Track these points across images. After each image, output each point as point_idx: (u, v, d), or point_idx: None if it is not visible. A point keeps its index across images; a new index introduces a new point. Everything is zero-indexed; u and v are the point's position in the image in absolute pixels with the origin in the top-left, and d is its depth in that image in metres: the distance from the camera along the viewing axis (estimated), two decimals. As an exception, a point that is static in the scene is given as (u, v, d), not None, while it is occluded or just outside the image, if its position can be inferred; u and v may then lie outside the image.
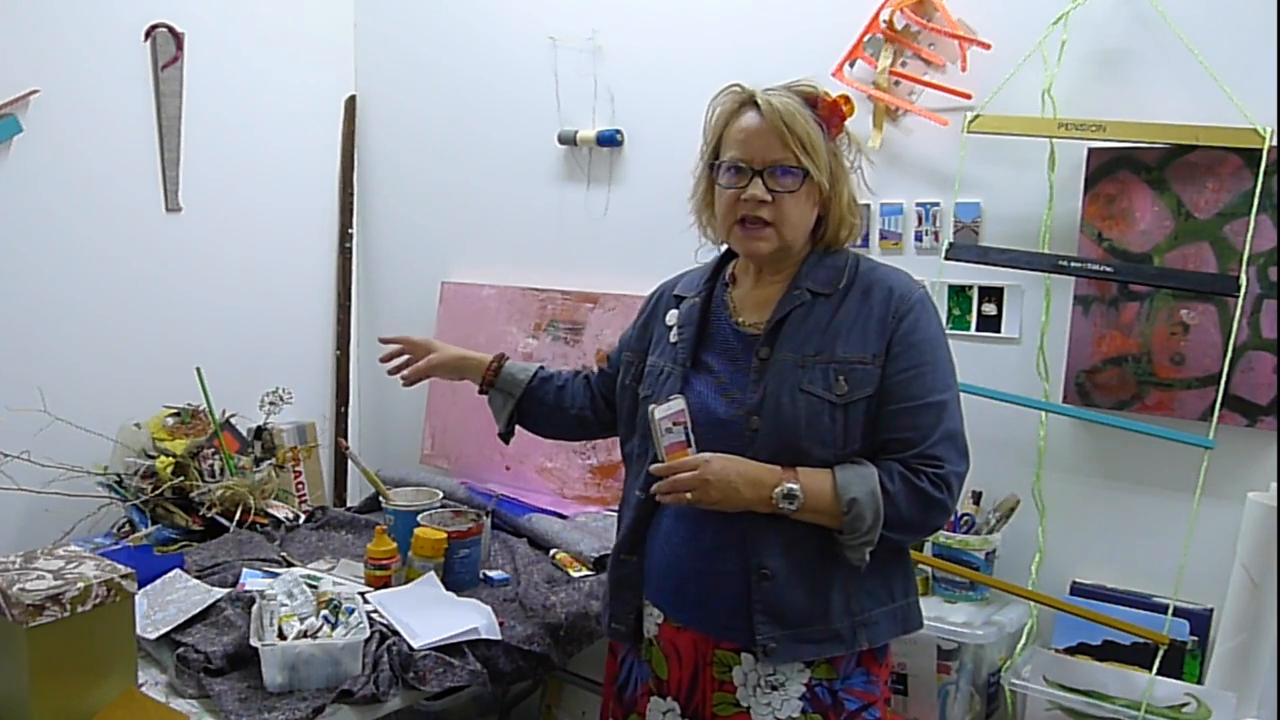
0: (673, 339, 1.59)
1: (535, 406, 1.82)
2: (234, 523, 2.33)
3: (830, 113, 1.48)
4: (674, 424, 1.44)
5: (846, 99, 1.50)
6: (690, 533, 1.53)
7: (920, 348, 1.45)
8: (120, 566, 1.61)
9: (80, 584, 1.53)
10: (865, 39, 2.11)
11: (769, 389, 1.46)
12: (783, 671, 1.49)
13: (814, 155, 1.45)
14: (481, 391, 1.85)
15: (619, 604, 1.63)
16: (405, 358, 1.89)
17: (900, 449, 1.43)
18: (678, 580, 1.55)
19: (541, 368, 1.85)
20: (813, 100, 1.48)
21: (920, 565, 2.02)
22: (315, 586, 1.93)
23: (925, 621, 1.86)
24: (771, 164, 1.45)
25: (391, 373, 1.90)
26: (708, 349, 1.56)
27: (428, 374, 1.87)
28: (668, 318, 1.63)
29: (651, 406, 1.44)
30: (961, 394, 1.96)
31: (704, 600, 1.52)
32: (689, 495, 1.43)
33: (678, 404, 1.46)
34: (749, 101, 1.48)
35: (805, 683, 1.49)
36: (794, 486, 1.41)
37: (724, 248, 1.64)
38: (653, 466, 1.46)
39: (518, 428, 1.85)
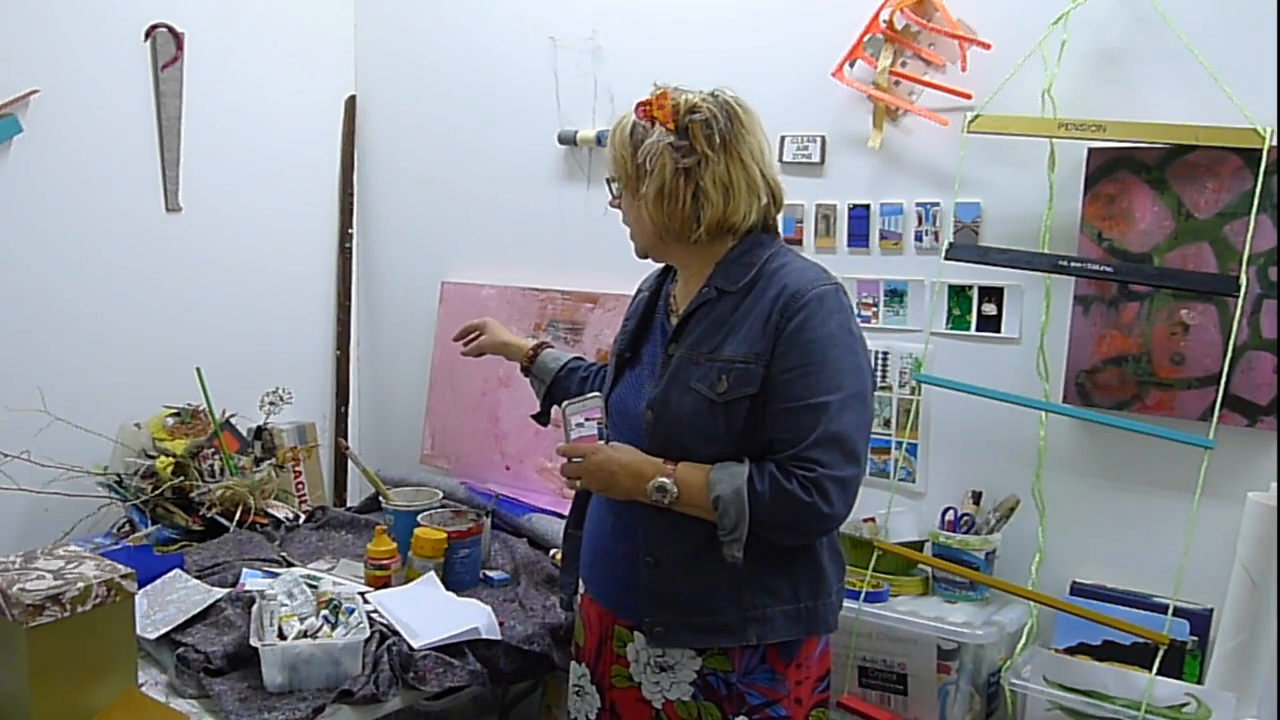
0: (622, 332, 1.70)
1: (562, 396, 1.85)
2: (234, 523, 2.33)
3: (642, 115, 1.54)
4: (586, 419, 1.57)
5: (653, 99, 1.52)
6: (602, 514, 1.65)
7: (806, 348, 1.44)
8: (120, 566, 1.61)
9: (80, 584, 1.53)
10: (865, 39, 2.11)
11: (664, 384, 1.52)
12: (672, 654, 1.56)
13: (613, 164, 1.58)
14: (524, 373, 1.98)
15: (566, 574, 1.79)
16: (474, 335, 2.03)
17: (779, 449, 1.44)
18: (591, 555, 1.68)
19: (576, 358, 1.93)
20: (640, 106, 1.55)
21: (920, 565, 2.02)
22: (315, 586, 1.93)
23: (925, 621, 1.88)
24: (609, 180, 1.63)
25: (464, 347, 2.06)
26: (645, 341, 1.65)
27: (479, 353, 2.02)
28: (627, 311, 1.74)
29: (566, 403, 1.57)
30: (962, 394, 1.97)
31: (607, 577, 1.64)
32: (578, 482, 1.57)
33: (594, 400, 1.58)
34: None
35: (697, 670, 1.54)
36: (666, 480, 1.47)
37: None
38: (557, 447, 1.59)
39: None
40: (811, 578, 1.55)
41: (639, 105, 1.53)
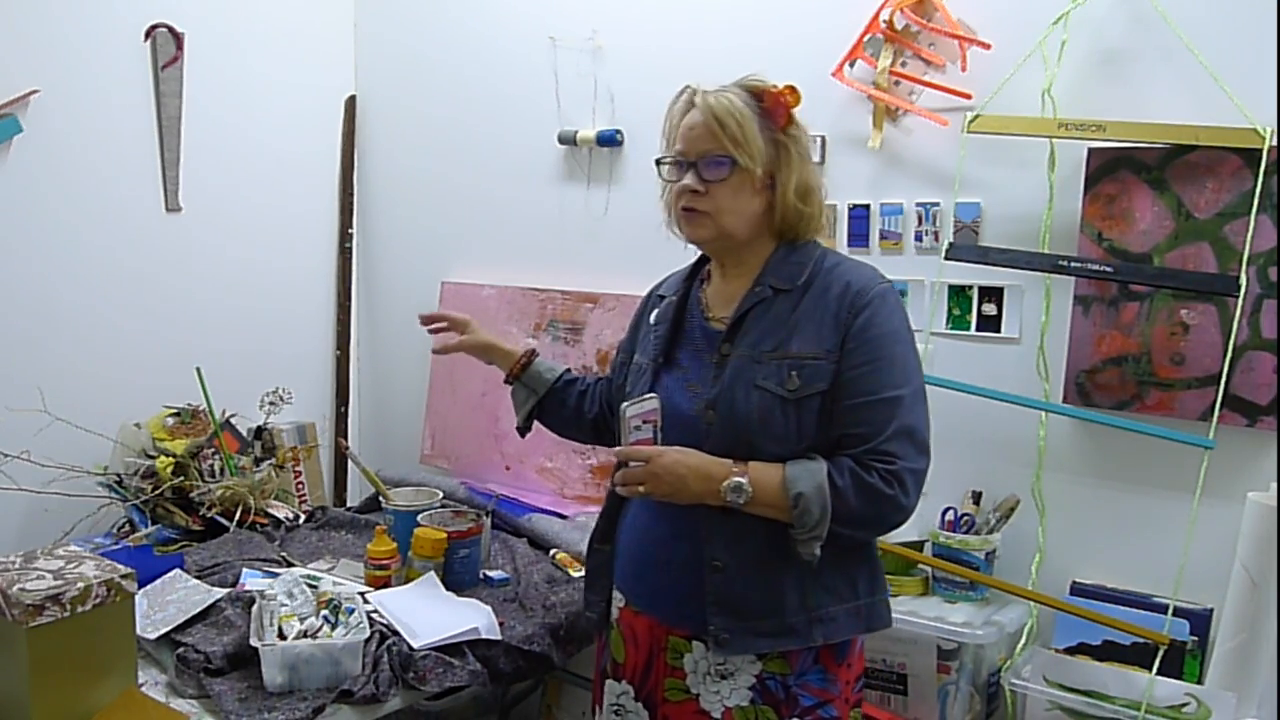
0: (655, 337, 1.63)
1: (557, 407, 1.83)
2: (234, 523, 2.33)
3: (774, 104, 1.51)
4: (644, 421, 1.49)
5: (791, 89, 1.51)
6: (650, 522, 1.58)
7: (875, 343, 1.45)
8: (120, 566, 1.61)
9: (80, 584, 1.53)
10: (865, 39, 2.11)
11: (725, 384, 1.49)
12: (733, 661, 1.51)
13: (743, 145, 1.48)
14: (507, 382, 1.86)
15: (593, 591, 1.71)
16: (443, 325, 1.92)
17: (853, 444, 1.43)
18: (638, 567, 1.61)
19: (569, 370, 1.87)
20: (758, 94, 1.52)
21: (920, 565, 2.02)
22: (315, 586, 1.93)
23: (925, 621, 1.88)
24: (702, 155, 1.50)
25: (430, 332, 1.97)
26: (681, 346, 1.60)
27: (457, 350, 1.89)
28: (651, 317, 1.67)
29: (625, 404, 1.49)
30: (963, 394, 1.97)
31: (660, 588, 1.57)
32: (641, 488, 1.47)
33: (651, 402, 1.50)
34: (692, 100, 1.54)
35: (756, 674, 1.51)
36: (742, 480, 1.43)
37: None
38: (613, 450, 1.51)
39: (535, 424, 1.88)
40: (869, 573, 1.54)
41: (779, 90, 1.50)
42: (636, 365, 1.64)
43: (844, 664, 1.54)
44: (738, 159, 1.48)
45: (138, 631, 1.69)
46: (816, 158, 2.21)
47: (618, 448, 1.50)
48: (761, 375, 1.46)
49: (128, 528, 2.32)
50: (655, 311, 1.67)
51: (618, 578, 1.66)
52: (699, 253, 1.67)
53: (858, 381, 1.44)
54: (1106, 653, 1.88)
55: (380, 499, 2.35)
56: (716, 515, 1.47)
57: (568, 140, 2.62)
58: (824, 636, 1.48)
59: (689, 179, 1.51)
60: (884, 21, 2.09)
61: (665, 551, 1.55)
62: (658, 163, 1.59)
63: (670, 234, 1.64)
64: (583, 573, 2.17)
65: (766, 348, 1.48)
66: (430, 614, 1.89)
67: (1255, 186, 1.74)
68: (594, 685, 1.77)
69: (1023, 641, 1.96)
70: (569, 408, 1.83)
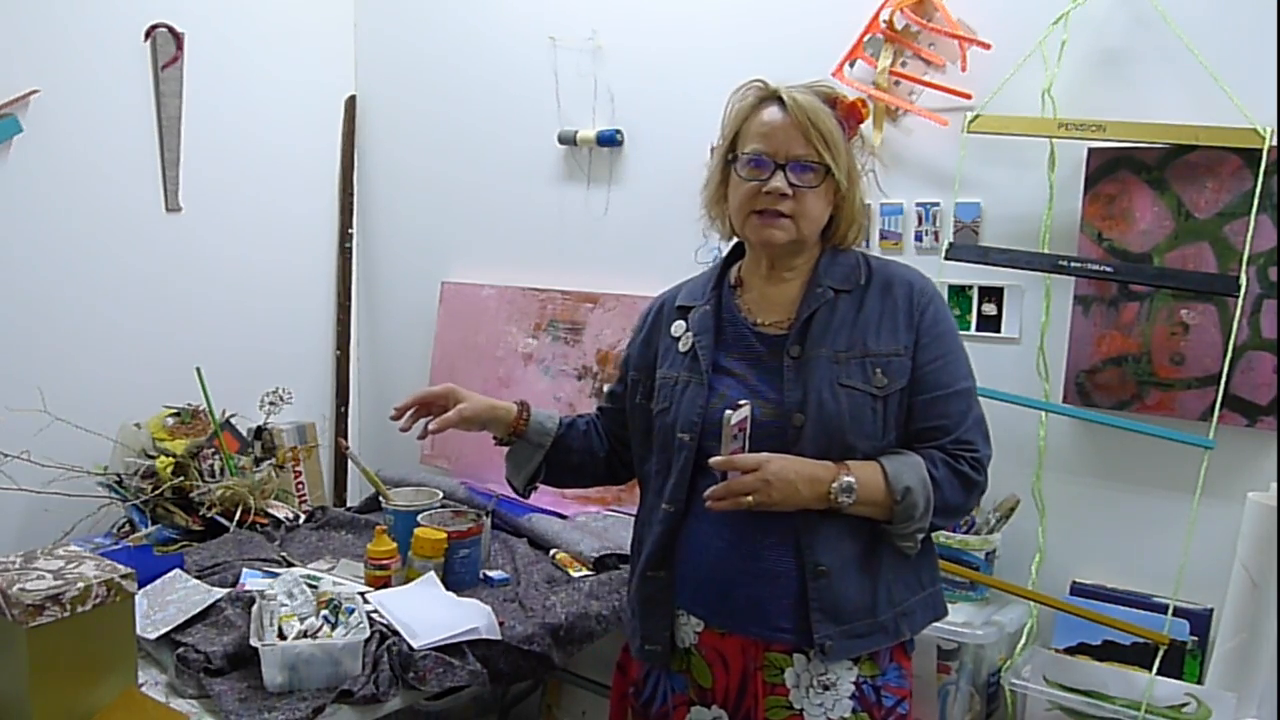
0: (683, 348, 1.56)
1: (563, 455, 1.70)
2: (234, 523, 2.33)
3: (848, 114, 1.50)
4: (739, 430, 1.41)
5: (864, 102, 1.52)
6: (734, 537, 1.48)
7: (944, 338, 1.49)
8: (120, 566, 1.61)
9: (80, 584, 1.53)
10: (865, 39, 2.11)
11: (809, 386, 1.45)
12: (834, 670, 1.48)
13: (835, 153, 1.45)
14: (504, 443, 1.70)
15: (652, 621, 1.56)
16: (421, 417, 1.70)
17: (937, 436, 1.46)
18: (722, 587, 1.50)
19: (562, 417, 1.73)
20: (832, 100, 1.49)
21: (920, 565, 2.02)
22: (315, 586, 1.93)
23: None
24: (794, 159, 1.45)
25: (406, 430, 1.72)
26: (725, 354, 1.54)
27: (456, 425, 1.67)
28: (673, 329, 1.59)
29: (727, 411, 1.39)
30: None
31: (754, 604, 1.48)
32: (749, 498, 1.39)
33: (745, 409, 1.42)
34: (772, 97, 1.49)
35: (854, 681, 1.49)
36: (851, 480, 1.41)
37: (723, 254, 1.65)
38: (713, 460, 1.41)
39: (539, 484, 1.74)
40: (930, 562, 1.56)
41: (853, 102, 1.50)
42: (666, 379, 1.56)
43: (910, 656, 1.56)
44: (831, 167, 1.45)
45: (138, 631, 1.69)
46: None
47: (715, 459, 1.40)
48: (845, 375, 1.45)
49: (128, 528, 2.32)
50: (679, 323, 1.58)
51: (689, 602, 1.54)
52: (712, 257, 1.65)
53: (934, 375, 1.47)
54: (1106, 653, 1.88)
55: (380, 499, 2.35)
56: (816, 519, 1.44)
57: (568, 140, 2.62)
58: (909, 629, 1.50)
59: (778, 181, 1.44)
60: (884, 21, 2.09)
61: (760, 564, 1.47)
62: (730, 160, 1.51)
63: (710, 231, 1.60)
64: (583, 573, 2.18)
65: (841, 347, 1.47)
66: (430, 614, 1.89)
67: (1255, 186, 1.74)
68: (612, 712, 1.70)
69: (1023, 641, 1.96)
70: (575, 453, 1.71)
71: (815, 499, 1.41)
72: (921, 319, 1.48)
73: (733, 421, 1.38)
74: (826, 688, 1.48)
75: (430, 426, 1.68)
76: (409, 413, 1.69)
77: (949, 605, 1.94)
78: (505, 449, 1.72)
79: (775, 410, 1.46)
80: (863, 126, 1.54)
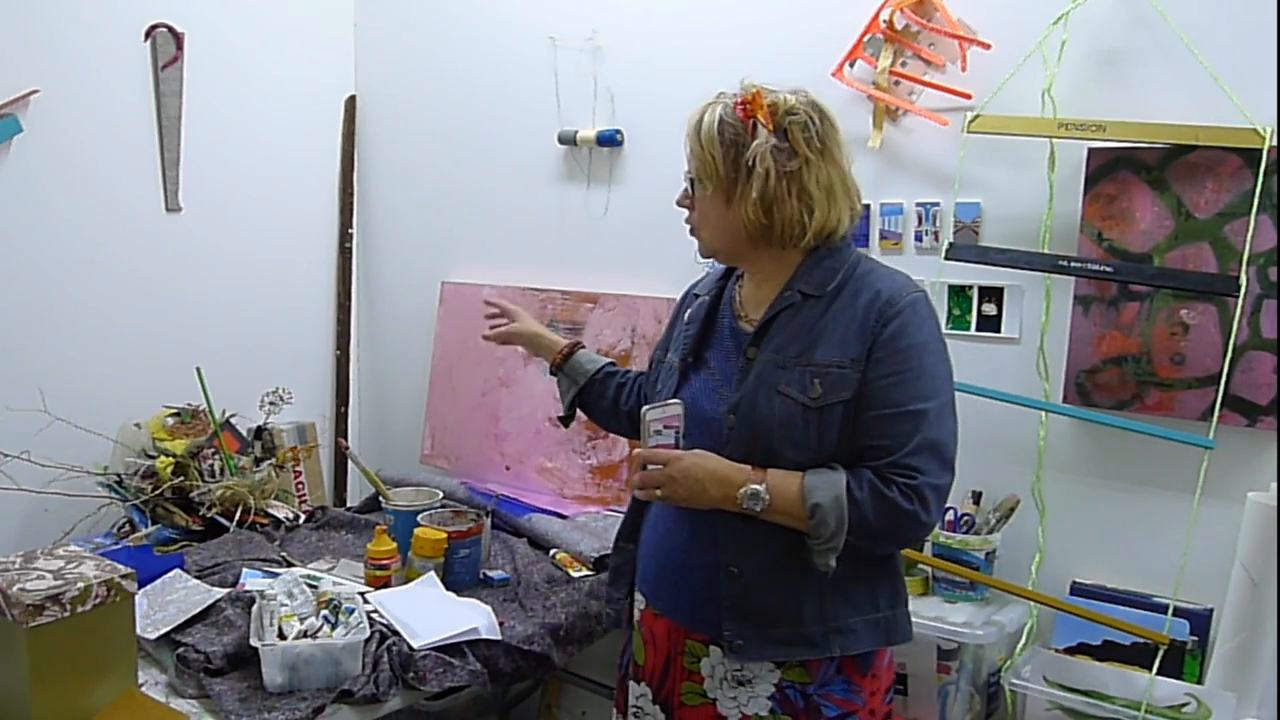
0: (684, 337, 1.62)
1: (596, 399, 1.84)
2: (234, 523, 2.33)
3: (743, 115, 1.48)
4: (665, 426, 1.47)
5: (754, 95, 1.46)
6: (670, 525, 1.57)
7: (904, 354, 1.42)
8: (120, 566, 1.61)
9: (80, 584, 1.53)
10: (865, 39, 2.11)
11: (749, 388, 1.47)
12: (750, 669, 1.50)
13: (701, 165, 1.49)
14: (552, 373, 1.89)
15: (615, 588, 1.72)
16: (499, 317, 1.96)
17: (875, 456, 1.41)
18: (658, 569, 1.60)
19: (612, 363, 1.87)
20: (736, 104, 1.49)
21: (920, 565, 2.02)
22: (315, 586, 1.93)
23: (925, 621, 1.87)
24: (688, 175, 1.55)
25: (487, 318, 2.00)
26: (710, 346, 1.59)
27: (507, 339, 1.94)
28: (686, 316, 1.65)
29: (646, 407, 1.48)
30: (962, 394, 1.96)
31: (678, 591, 1.56)
32: (658, 492, 1.47)
33: (675, 407, 1.49)
34: None
35: (775, 683, 1.49)
36: (759, 487, 1.41)
37: None
38: (634, 452, 1.51)
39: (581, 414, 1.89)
40: (890, 585, 1.52)
41: (737, 104, 1.47)
42: (668, 364, 1.63)
43: (869, 675, 1.52)
44: (695, 179, 1.52)
45: (138, 631, 1.69)
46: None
47: (638, 450, 1.49)
48: (785, 381, 1.44)
49: (128, 528, 2.32)
50: (689, 310, 1.65)
51: (639, 579, 1.65)
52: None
53: (883, 393, 1.41)
54: (1106, 653, 1.88)
55: (380, 499, 2.35)
56: (734, 521, 1.46)
57: (568, 140, 2.62)
58: (842, 648, 1.46)
59: (681, 197, 1.57)
60: (884, 21, 2.09)
61: (684, 555, 1.54)
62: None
63: None
64: (583, 573, 2.18)
65: (791, 353, 1.46)
66: (430, 614, 1.89)
67: (1255, 186, 1.74)
68: (617, 688, 1.76)
69: (1023, 641, 1.96)
70: (607, 399, 1.83)
71: (724, 500, 1.44)
72: (881, 332, 1.42)
73: (649, 418, 1.47)
74: (741, 684, 1.51)
75: (484, 334, 1.97)
76: (492, 313, 1.97)
77: (949, 605, 1.97)
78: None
79: (723, 409, 1.50)
80: (759, 115, 1.45)
